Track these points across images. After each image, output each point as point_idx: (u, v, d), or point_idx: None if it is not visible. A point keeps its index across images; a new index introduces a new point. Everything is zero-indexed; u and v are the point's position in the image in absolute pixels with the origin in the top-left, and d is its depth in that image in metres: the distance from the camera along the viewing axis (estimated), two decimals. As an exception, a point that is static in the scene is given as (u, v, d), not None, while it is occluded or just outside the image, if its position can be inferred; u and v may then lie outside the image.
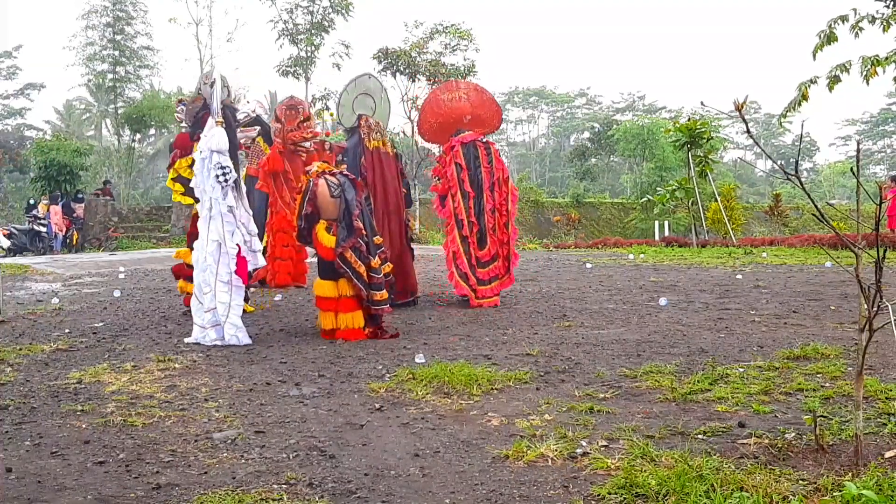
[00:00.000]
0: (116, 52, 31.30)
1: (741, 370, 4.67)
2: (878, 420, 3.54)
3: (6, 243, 18.36)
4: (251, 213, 6.24)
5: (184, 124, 6.96)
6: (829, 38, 7.23)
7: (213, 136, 5.96)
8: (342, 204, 6.12)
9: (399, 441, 3.49)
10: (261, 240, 7.40)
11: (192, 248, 6.32)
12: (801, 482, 2.79)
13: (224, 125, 6.05)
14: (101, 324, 7.02)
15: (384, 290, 6.24)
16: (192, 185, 6.28)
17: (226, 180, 5.92)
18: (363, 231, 6.14)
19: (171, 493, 2.89)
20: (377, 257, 6.24)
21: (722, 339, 5.77)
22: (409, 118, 27.11)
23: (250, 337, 6.00)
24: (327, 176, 6.21)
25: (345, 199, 6.12)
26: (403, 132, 28.44)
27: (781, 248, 15.41)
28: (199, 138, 6.18)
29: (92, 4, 30.98)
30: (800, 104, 7.15)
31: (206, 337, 5.92)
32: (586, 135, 43.76)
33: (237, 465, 3.20)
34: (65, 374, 4.89)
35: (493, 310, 7.67)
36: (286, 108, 9.27)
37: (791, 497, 2.63)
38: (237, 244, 5.96)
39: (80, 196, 22.54)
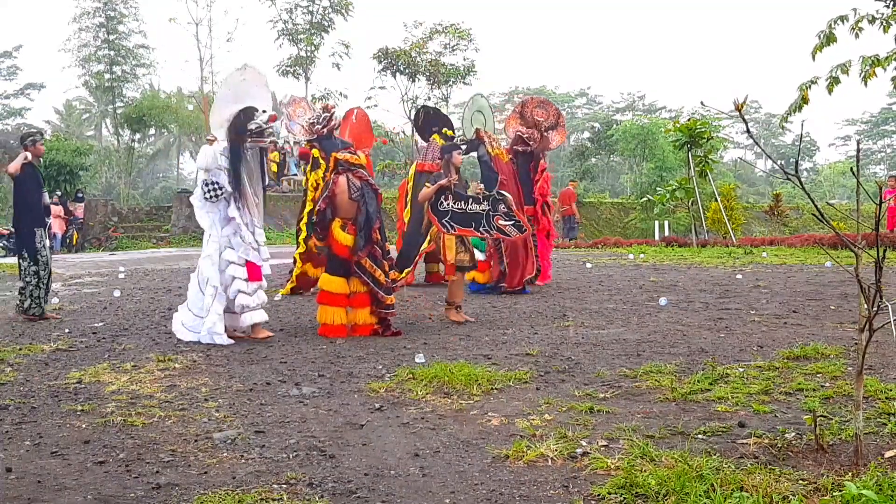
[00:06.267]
0: (112, 52, 31.21)
1: (741, 370, 4.67)
2: (878, 420, 3.54)
3: None
4: (259, 222, 6.23)
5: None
6: (829, 38, 7.21)
7: (199, 155, 6.15)
8: (363, 212, 6.25)
9: (399, 441, 3.49)
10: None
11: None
12: (801, 482, 2.79)
13: (214, 142, 6.14)
14: (101, 324, 7.02)
15: (392, 295, 6.40)
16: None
17: (214, 196, 5.99)
18: (379, 238, 6.32)
19: (171, 493, 2.89)
20: (387, 263, 6.43)
21: (722, 339, 5.77)
22: (408, 118, 27.13)
23: (213, 335, 5.98)
24: (350, 175, 6.32)
25: (366, 210, 6.26)
26: (403, 132, 28.46)
27: (781, 247, 15.40)
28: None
29: (82, 7, 30.93)
30: (800, 107, 7.13)
31: (197, 325, 6.01)
32: (586, 134, 43.71)
33: (237, 465, 3.20)
34: (65, 374, 4.89)
35: (493, 309, 7.68)
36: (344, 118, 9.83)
37: (791, 497, 2.63)
38: (241, 255, 6.04)
39: (79, 196, 22.54)
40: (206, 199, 6.03)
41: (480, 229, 6.88)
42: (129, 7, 31.79)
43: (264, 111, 6.14)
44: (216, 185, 6.01)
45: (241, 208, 6.08)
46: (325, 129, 6.48)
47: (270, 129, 6.22)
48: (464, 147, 9.19)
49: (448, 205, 6.76)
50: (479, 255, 8.70)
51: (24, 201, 7.43)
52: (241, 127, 6.10)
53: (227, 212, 6.06)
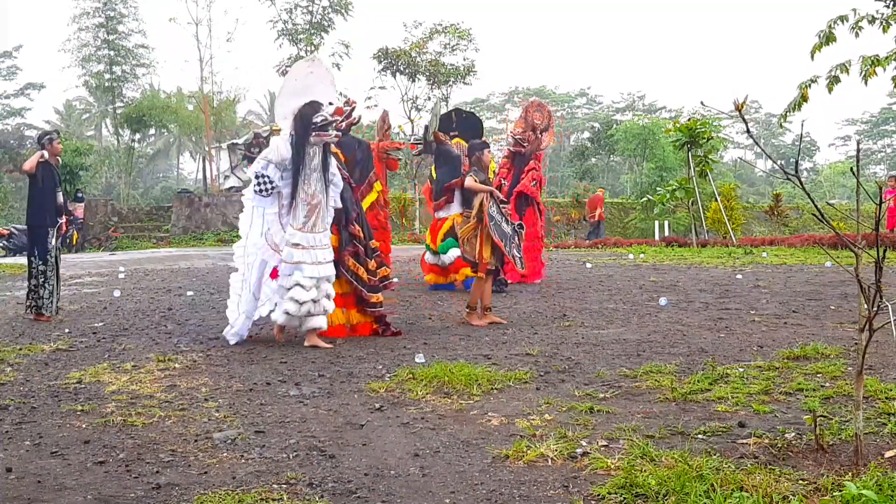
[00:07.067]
0: (111, 52, 31.16)
1: (741, 370, 4.67)
2: (878, 420, 3.54)
3: None
4: (293, 223, 5.88)
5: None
6: (828, 38, 7.20)
7: (270, 148, 5.91)
8: (341, 206, 6.19)
9: (399, 441, 3.49)
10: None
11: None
12: (801, 482, 2.79)
13: (280, 132, 6.03)
14: (101, 324, 7.02)
15: (379, 293, 6.32)
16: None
17: (265, 190, 5.81)
18: (360, 235, 6.22)
19: (171, 493, 2.89)
20: (373, 260, 6.30)
21: (722, 339, 5.77)
22: (408, 118, 27.12)
23: (240, 337, 5.98)
24: None
25: (343, 201, 6.18)
26: (403, 132, 28.43)
27: (781, 247, 15.40)
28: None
29: (82, 7, 30.88)
30: (800, 106, 7.11)
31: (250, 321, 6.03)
32: (586, 134, 43.70)
33: (237, 465, 3.20)
34: (65, 374, 4.89)
35: (493, 310, 7.65)
36: (379, 120, 10.06)
37: (791, 497, 2.63)
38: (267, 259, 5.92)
39: (79, 196, 22.56)
40: (255, 192, 5.83)
41: (509, 247, 6.80)
42: (128, 7, 31.75)
43: (330, 103, 5.93)
44: (266, 178, 5.80)
45: (285, 206, 5.86)
46: (341, 124, 6.43)
47: (336, 122, 5.95)
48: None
49: (493, 211, 6.69)
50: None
51: (39, 200, 7.43)
52: (307, 119, 5.83)
53: (274, 207, 5.87)
